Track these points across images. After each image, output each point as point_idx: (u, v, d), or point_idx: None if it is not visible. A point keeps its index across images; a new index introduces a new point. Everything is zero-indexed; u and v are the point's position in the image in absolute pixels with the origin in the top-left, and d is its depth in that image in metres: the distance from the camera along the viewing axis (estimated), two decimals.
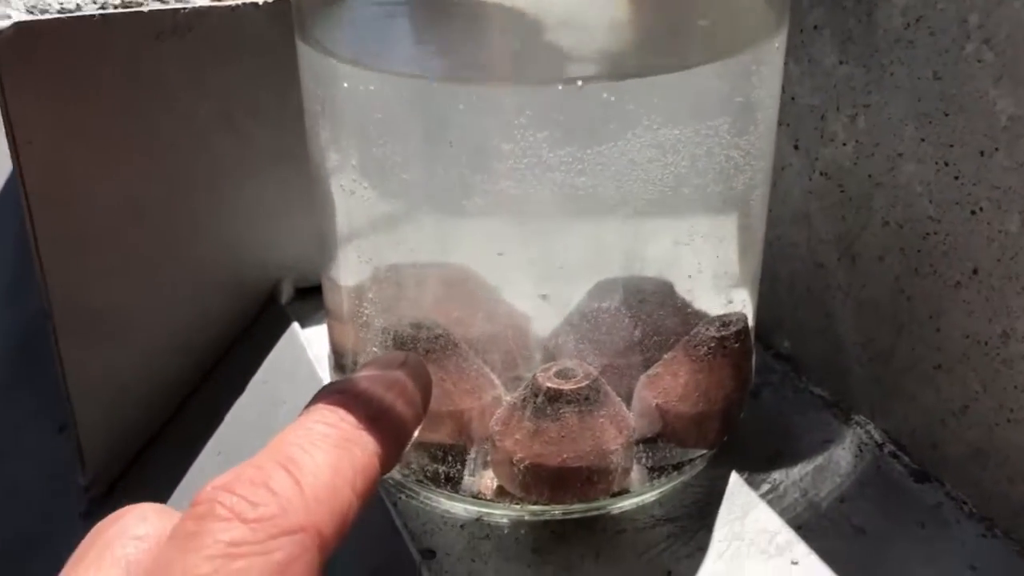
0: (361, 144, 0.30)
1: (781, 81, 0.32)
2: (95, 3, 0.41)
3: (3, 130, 0.41)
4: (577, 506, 0.33)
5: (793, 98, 0.39)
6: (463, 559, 0.33)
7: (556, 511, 0.33)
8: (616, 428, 0.31)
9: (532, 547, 0.33)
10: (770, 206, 0.35)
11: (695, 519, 0.34)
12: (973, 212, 0.33)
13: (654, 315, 0.32)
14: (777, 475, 0.37)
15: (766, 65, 0.30)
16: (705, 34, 0.29)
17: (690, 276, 0.32)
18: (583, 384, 0.31)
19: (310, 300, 0.47)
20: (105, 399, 0.45)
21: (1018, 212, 0.31)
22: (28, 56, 0.38)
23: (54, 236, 0.40)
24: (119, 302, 0.44)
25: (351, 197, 0.31)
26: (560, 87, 0.27)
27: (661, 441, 0.33)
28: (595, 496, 0.32)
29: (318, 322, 0.45)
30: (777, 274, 0.42)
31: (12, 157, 0.40)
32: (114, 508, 0.24)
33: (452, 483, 0.33)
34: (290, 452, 0.24)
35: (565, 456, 0.30)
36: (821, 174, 0.39)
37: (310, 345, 0.44)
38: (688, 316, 0.33)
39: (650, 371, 0.32)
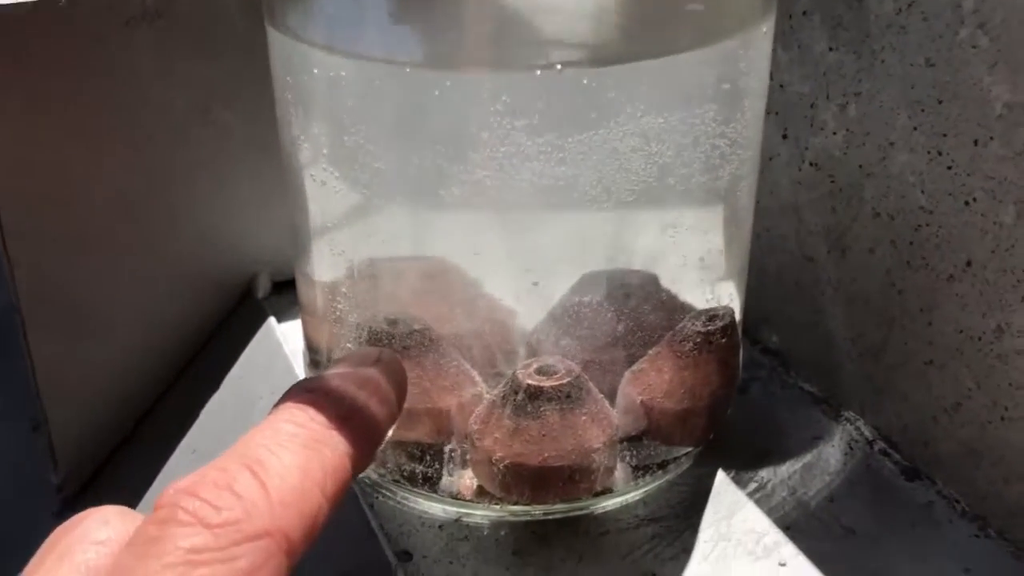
0: (332, 133, 0.29)
1: (769, 68, 0.31)
2: None
3: None
4: (559, 506, 0.33)
5: (782, 86, 0.38)
6: (441, 561, 0.32)
7: (537, 512, 0.33)
8: (599, 426, 0.30)
9: (512, 549, 0.32)
10: (758, 197, 0.34)
11: (680, 519, 0.34)
12: (967, 203, 0.32)
13: (638, 309, 0.31)
14: (765, 473, 0.36)
15: (753, 51, 0.29)
16: (690, 18, 0.28)
17: (675, 269, 0.31)
18: (564, 381, 0.30)
19: (287, 294, 0.46)
20: (77, 396, 0.44)
21: (1013, 203, 0.30)
22: None
23: (21, 229, 0.39)
24: (90, 297, 0.43)
25: (322, 188, 0.30)
26: (539, 73, 0.26)
27: (646, 439, 0.32)
28: (577, 496, 0.31)
29: (295, 316, 0.44)
30: (765, 267, 0.41)
31: None
32: (87, 507, 0.23)
33: (430, 483, 0.32)
34: (256, 453, 0.23)
35: (546, 455, 0.30)
36: (811, 164, 0.38)
37: (287, 340, 0.43)
38: (673, 310, 0.32)
39: (634, 367, 0.32)
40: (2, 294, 0.45)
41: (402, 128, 0.28)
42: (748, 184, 0.32)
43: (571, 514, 0.33)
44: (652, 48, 0.27)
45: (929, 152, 0.33)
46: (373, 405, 0.26)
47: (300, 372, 0.41)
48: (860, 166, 0.35)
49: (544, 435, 0.30)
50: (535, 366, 0.30)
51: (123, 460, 0.47)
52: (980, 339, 0.32)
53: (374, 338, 0.31)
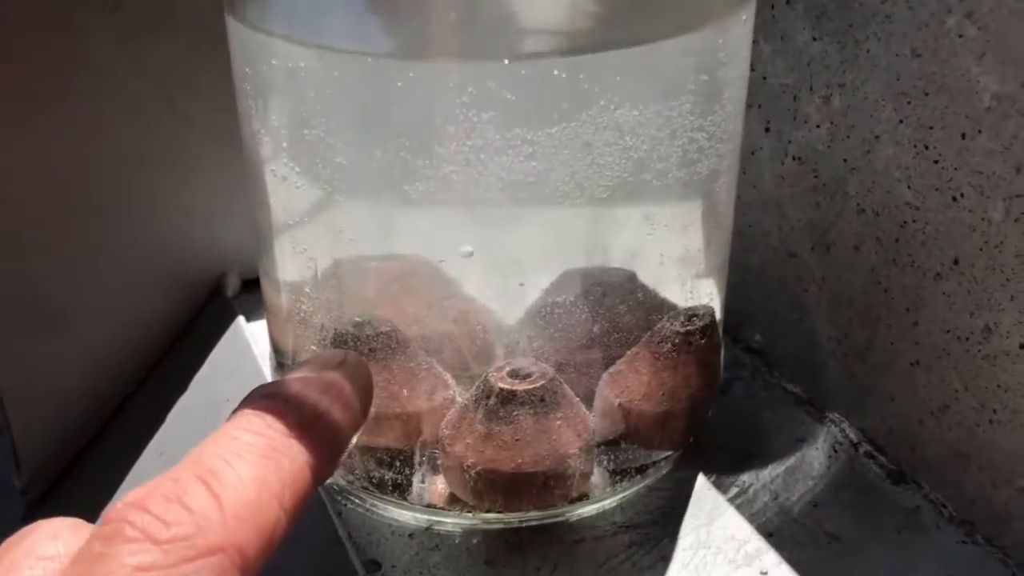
0: (292, 126, 0.27)
1: (749, 58, 0.30)
2: None
3: None
4: (533, 513, 0.32)
5: (764, 78, 0.37)
6: (411, 571, 0.31)
7: (511, 519, 0.32)
8: (574, 431, 0.30)
9: (485, 558, 0.32)
10: (739, 192, 0.33)
11: (659, 526, 0.33)
12: (954, 198, 0.31)
13: (615, 309, 0.30)
14: (746, 477, 0.35)
15: (732, 40, 0.28)
16: (665, 6, 0.27)
17: (654, 267, 0.30)
18: (538, 384, 0.29)
19: (257, 292, 0.45)
20: (40, 398, 0.43)
21: (1002, 199, 0.29)
22: None
23: None
24: (52, 296, 0.42)
25: (283, 183, 0.28)
26: (506, 62, 0.25)
27: (623, 443, 0.32)
28: (552, 503, 0.31)
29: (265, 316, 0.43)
30: (747, 264, 0.40)
31: None
32: (52, 512, 0.23)
33: (400, 490, 0.32)
34: (210, 464, 0.22)
35: (520, 461, 0.29)
36: (793, 158, 0.37)
37: (256, 340, 0.42)
38: (652, 310, 0.31)
39: (612, 369, 0.31)
40: None
41: (364, 121, 0.27)
42: (728, 179, 0.31)
43: (546, 521, 0.32)
44: (626, 37, 0.26)
45: (915, 146, 0.32)
46: (336, 411, 0.25)
47: (268, 374, 0.40)
48: (844, 160, 0.35)
49: (517, 440, 0.29)
50: (508, 369, 0.29)
51: (89, 463, 0.46)
52: (968, 339, 0.32)
53: (339, 340, 0.30)
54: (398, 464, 0.31)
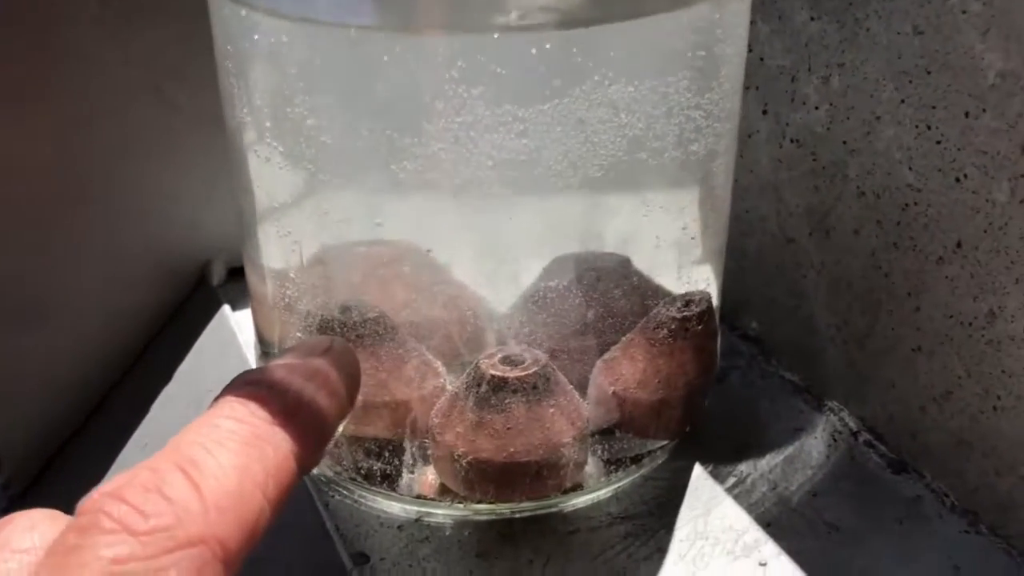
0: (275, 104, 0.27)
1: (747, 35, 0.30)
2: None
3: None
4: (526, 504, 0.31)
5: (761, 59, 0.36)
6: (400, 564, 0.30)
7: (503, 510, 0.32)
8: (568, 419, 0.29)
9: (477, 550, 0.31)
10: (736, 176, 0.32)
11: (655, 517, 0.32)
12: (957, 180, 0.30)
13: (610, 294, 0.30)
14: (744, 467, 0.35)
15: (730, 15, 0.28)
16: None
17: (649, 251, 0.30)
18: (531, 371, 0.28)
19: (243, 281, 0.44)
20: (21, 391, 0.42)
21: (1007, 179, 0.29)
22: None
23: None
24: (32, 285, 0.41)
25: (267, 165, 0.28)
26: (496, 36, 0.24)
27: (618, 432, 0.31)
28: (545, 493, 0.30)
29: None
30: (744, 250, 0.39)
31: None
32: (35, 506, 0.22)
33: (389, 481, 0.31)
34: (190, 453, 0.21)
35: (512, 450, 0.28)
36: (792, 141, 0.36)
37: (241, 330, 0.42)
38: (647, 295, 0.30)
39: (606, 356, 0.30)
40: None
41: (349, 98, 0.26)
42: (725, 160, 0.30)
43: (539, 512, 0.32)
44: (621, 10, 0.25)
45: (917, 126, 0.31)
46: (321, 398, 0.25)
47: (254, 363, 0.39)
48: (844, 142, 0.34)
49: (509, 429, 0.28)
50: (499, 356, 0.29)
51: (73, 455, 0.45)
52: (971, 324, 0.31)
53: (325, 327, 0.29)
54: (387, 454, 0.30)
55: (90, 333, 0.44)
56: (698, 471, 0.34)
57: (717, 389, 0.37)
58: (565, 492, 0.31)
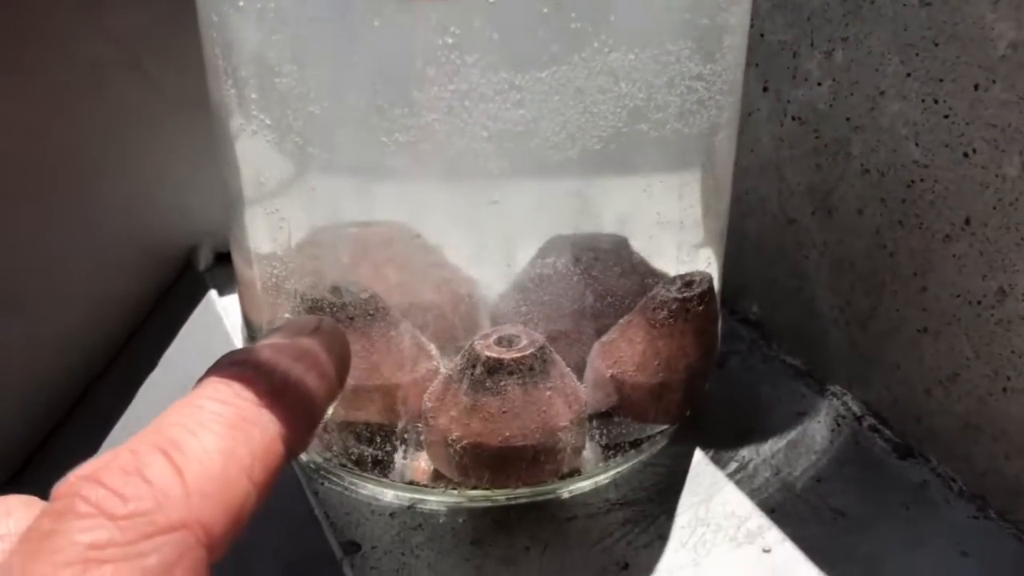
0: (261, 74, 0.26)
1: (751, 5, 0.29)
2: None
3: None
4: (522, 490, 0.31)
5: (762, 35, 0.35)
6: (392, 553, 0.29)
7: (498, 497, 0.31)
8: (565, 402, 0.28)
9: (471, 538, 0.30)
10: (736, 156, 0.31)
11: (655, 503, 0.32)
12: (966, 154, 0.29)
13: (608, 274, 0.29)
14: (746, 452, 0.34)
15: None
16: None
17: (649, 229, 0.29)
18: (527, 352, 0.28)
19: (230, 266, 0.44)
20: (3, 381, 0.42)
21: (1018, 153, 0.28)
22: None
23: None
24: (15, 273, 0.40)
25: (253, 138, 0.27)
26: (492, 0, 0.23)
27: (617, 416, 0.30)
28: (542, 479, 0.29)
29: None
30: (744, 231, 0.39)
31: None
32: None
33: (381, 467, 0.30)
34: (173, 434, 0.20)
35: (507, 434, 0.28)
36: (793, 119, 0.35)
37: (228, 315, 0.41)
38: (646, 276, 0.30)
39: (604, 338, 0.29)
40: None
41: (338, 66, 0.25)
42: (728, 134, 0.29)
43: (536, 499, 0.31)
44: None
45: (924, 100, 0.30)
46: (310, 380, 0.24)
47: None
48: (847, 119, 0.33)
49: (505, 412, 0.28)
50: (495, 337, 0.28)
51: (57, 445, 0.45)
52: (980, 303, 0.30)
53: (315, 308, 0.28)
54: (378, 440, 0.30)
55: (73, 321, 0.43)
56: (699, 456, 0.34)
57: (717, 374, 0.36)
58: (562, 478, 0.30)
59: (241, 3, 0.25)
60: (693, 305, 0.30)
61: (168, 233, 0.44)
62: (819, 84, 0.34)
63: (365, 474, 0.30)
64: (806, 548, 0.30)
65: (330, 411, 0.26)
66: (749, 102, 0.37)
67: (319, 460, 0.32)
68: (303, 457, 0.32)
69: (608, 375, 0.30)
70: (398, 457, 0.30)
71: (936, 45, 0.29)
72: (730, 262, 0.34)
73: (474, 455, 0.28)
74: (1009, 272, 0.29)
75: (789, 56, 0.35)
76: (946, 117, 0.30)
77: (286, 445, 0.22)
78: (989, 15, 0.28)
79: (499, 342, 0.28)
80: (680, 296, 0.30)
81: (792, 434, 0.35)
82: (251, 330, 0.32)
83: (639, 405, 0.30)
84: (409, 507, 0.31)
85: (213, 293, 0.43)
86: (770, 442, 0.34)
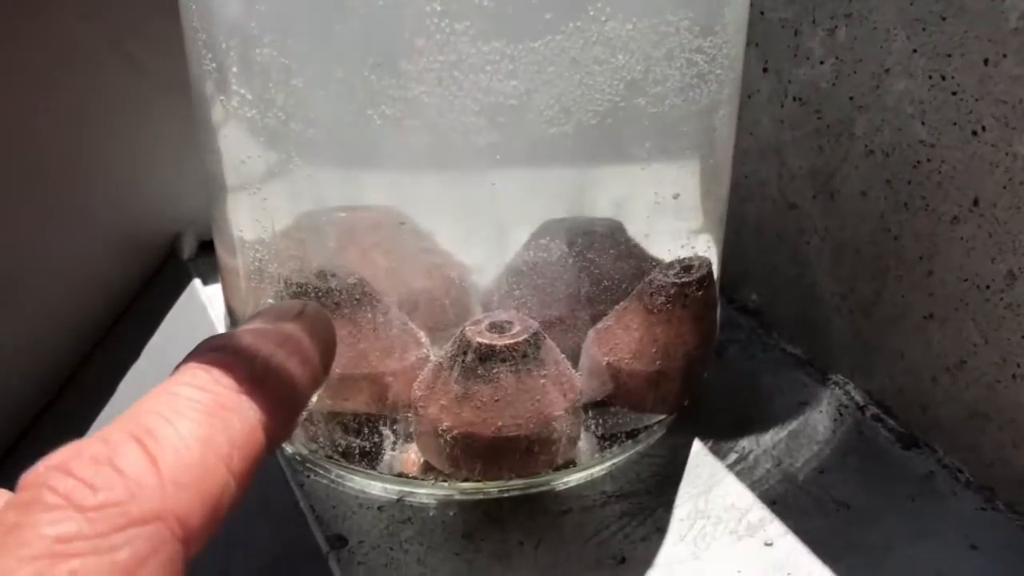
0: (242, 46, 0.25)
1: None
2: None
3: None
4: (515, 482, 0.30)
5: (762, 12, 0.35)
6: (380, 547, 0.28)
7: (490, 489, 0.30)
8: (560, 390, 0.27)
9: (462, 532, 0.30)
10: (736, 139, 0.30)
11: (653, 495, 0.31)
12: (974, 132, 0.29)
13: (604, 258, 0.28)
14: (746, 443, 0.33)
15: None
16: None
17: (646, 209, 0.28)
18: (520, 339, 0.27)
19: (215, 254, 0.43)
20: None
21: None
22: None
23: None
24: None
25: (234, 115, 0.26)
26: None
27: (613, 405, 0.30)
28: (536, 470, 0.29)
29: None
30: (743, 217, 0.38)
31: None
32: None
33: (369, 459, 0.30)
34: (147, 422, 0.20)
35: (500, 424, 0.27)
36: (794, 99, 0.34)
37: (212, 304, 0.41)
38: (643, 260, 0.29)
39: (600, 324, 0.29)
40: None
41: (322, 35, 0.24)
42: (728, 112, 0.28)
43: (529, 491, 0.31)
44: None
45: (931, 77, 0.29)
46: (292, 366, 0.23)
47: None
48: (851, 98, 0.32)
49: (497, 401, 0.27)
50: (487, 322, 0.27)
51: (38, 437, 0.44)
52: (988, 287, 0.29)
53: (300, 294, 0.28)
54: (366, 430, 0.29)
55: (55, 310, 0.42)
56: (697, 447, 0.33)
57: (716, 364, 0.35)
58: (557, 469, 0.30)
59: None
60: (692, 290, 0.29)
61: (151, 221, 0.44)
62: (821, 63, 0.33)
63: (352, 466, 0.30)
64: (809, 541, 0.29)
65: (314, 399, 0.25)
66: (748, 83, 0.36)
67: (305, 452, 0.31)
68: (288, 449, 0.31)
69: (604, 363, 0.29)
70: (386, 448, 0.29)
71: (944, 19, 0.29)
72: (729, 249, 0.33)
73: (465, 446, 0.27)
74: (1019, 255, 0.28)
75: (790, 34, 0.34)
76: (954, 94, 0.29)
77: (267, 434, 0.21)
78: None
79: (491, 328, 0.27)
80: (678, 281, 0.29)
81: (793, 424, 0.34)
82: (234, 320, 0.32)
83: (636, 394, 0.30)
84: (398, 500, 0.30)
85: (197, 282, 0.42)
86: (771, 432, 0.34)
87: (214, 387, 0.21)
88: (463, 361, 0.27)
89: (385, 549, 0.28)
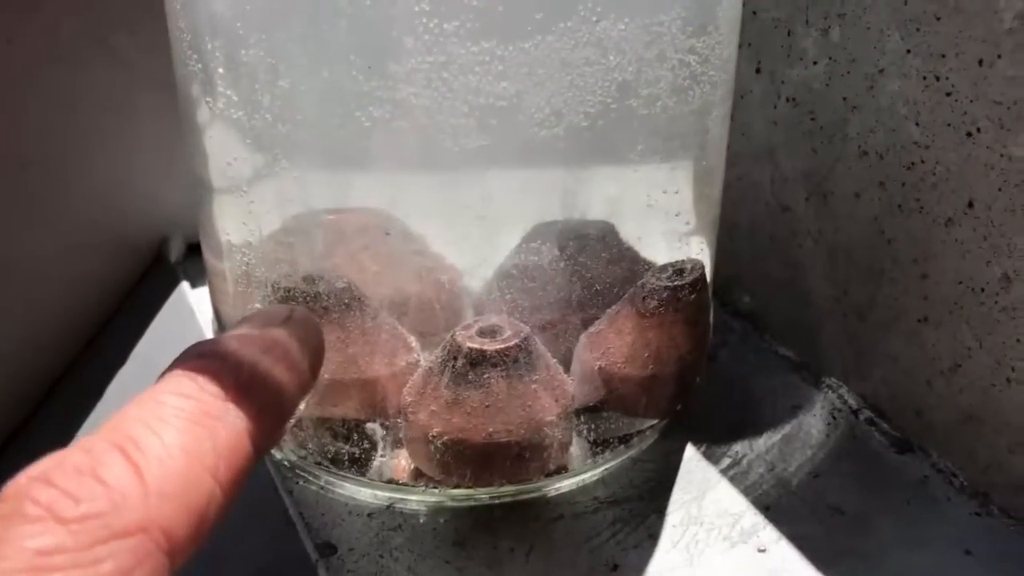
0: (228, 46, 0.24)
1: None
2: None
3: None
4: (506, 489, 0.30)
5: (754, 12, 0.34)
6: (370, 555, 0.28)
7: (481, 495, 0.30)
8: (551, 395, 0.27)
9: (453, 539, 0.29)
10: (728, 141, 0.30)
11: (645, 501, 0.31)
12: (969, 134, 0.28)
13: (596, 262, 0.28)
14: (739, 448, 0.33)
15: None
16: None
17: (638, 212, 0.28)
18: (511, 344, 0.27)
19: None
20: None
21: None
22: None
23: None
24: None
25: (220, 117, 0.25)
26: None
27: (605, 410, 0.30)
28: (527, 476, 0.28)
29: None
30: (736, 220, 0.37)
31: None
32: None
33: (359, 465, 0.29)
34: (131, 431, 0.19)
35: (491, 430, 0.27)
36: (787, 100, 0.34)
37: (200, 308, 0.40)
38: (635, 263, 0.29)
39: (592, 328, 0.29)
40: None
41: (309, 35, 0.24)
42: (721, 114, 0.28)
43: (520, 497, 0.30)
44: None
45: (925, 77, 0.29)
46: (279, 372, 0.23)
47: None
48: (844, 99, 0.32)
49: (488, 406, 0.27)
50: (477, 327, 0.27)
51: (23, 443, 0.44)
52: (983, 291, 0.29)
53: (287, 299, 0.27)
54: (356, 436, 0.29)
55: (40, 314, 0.42)
56: (690, 452, 0.33)
57: (708, 367, 0.35)
58: (548, 475, 0.30)
59: None
60: (685, 294, 0.29)
61: (139, 223, 0.43)
62: (815, 63, 0.33)
63: (342, 472, 0.30)
64: (802, 547, 0.29)
65: (303, 406, 0.25)
66: (740, 84, 0.35)
67: (294, 458, 0.31)
68: (277, 455, 0.31)
69: (596, 367, 0.29)
70: (376, 454, 0.29)
71: (938, 19, 0.28)
72: (721, 252, 0.33)
73: (456, 452, 0.27)
74: (1014, 257, 0.28)
75: (783, 34, 0.33)
76: (948, 95, 0.29)
77: (254, 442, 0.21)
78: None
79: (482, 333, 0.27)
80: (671, 284, 0.29)
81: (787, 428, 0.34)
82: (222, 324, 0.31)
83: (628, 399, 0.29)
84: (388, 507, 0.30)
85: (185, 285, 0.42)
86: (764, 437, 0.34)
87: (199, 395, 0.21)
88: (453, 366, 0.26)
89: (375, 557, 0.28)
